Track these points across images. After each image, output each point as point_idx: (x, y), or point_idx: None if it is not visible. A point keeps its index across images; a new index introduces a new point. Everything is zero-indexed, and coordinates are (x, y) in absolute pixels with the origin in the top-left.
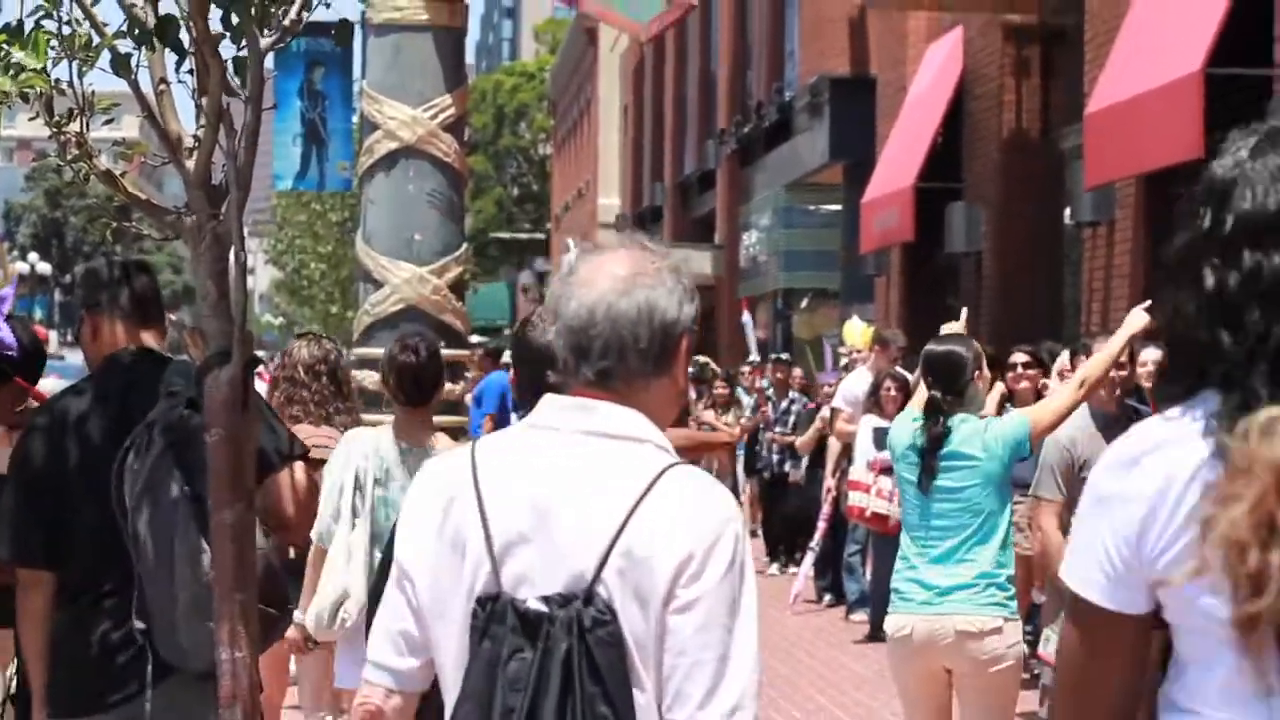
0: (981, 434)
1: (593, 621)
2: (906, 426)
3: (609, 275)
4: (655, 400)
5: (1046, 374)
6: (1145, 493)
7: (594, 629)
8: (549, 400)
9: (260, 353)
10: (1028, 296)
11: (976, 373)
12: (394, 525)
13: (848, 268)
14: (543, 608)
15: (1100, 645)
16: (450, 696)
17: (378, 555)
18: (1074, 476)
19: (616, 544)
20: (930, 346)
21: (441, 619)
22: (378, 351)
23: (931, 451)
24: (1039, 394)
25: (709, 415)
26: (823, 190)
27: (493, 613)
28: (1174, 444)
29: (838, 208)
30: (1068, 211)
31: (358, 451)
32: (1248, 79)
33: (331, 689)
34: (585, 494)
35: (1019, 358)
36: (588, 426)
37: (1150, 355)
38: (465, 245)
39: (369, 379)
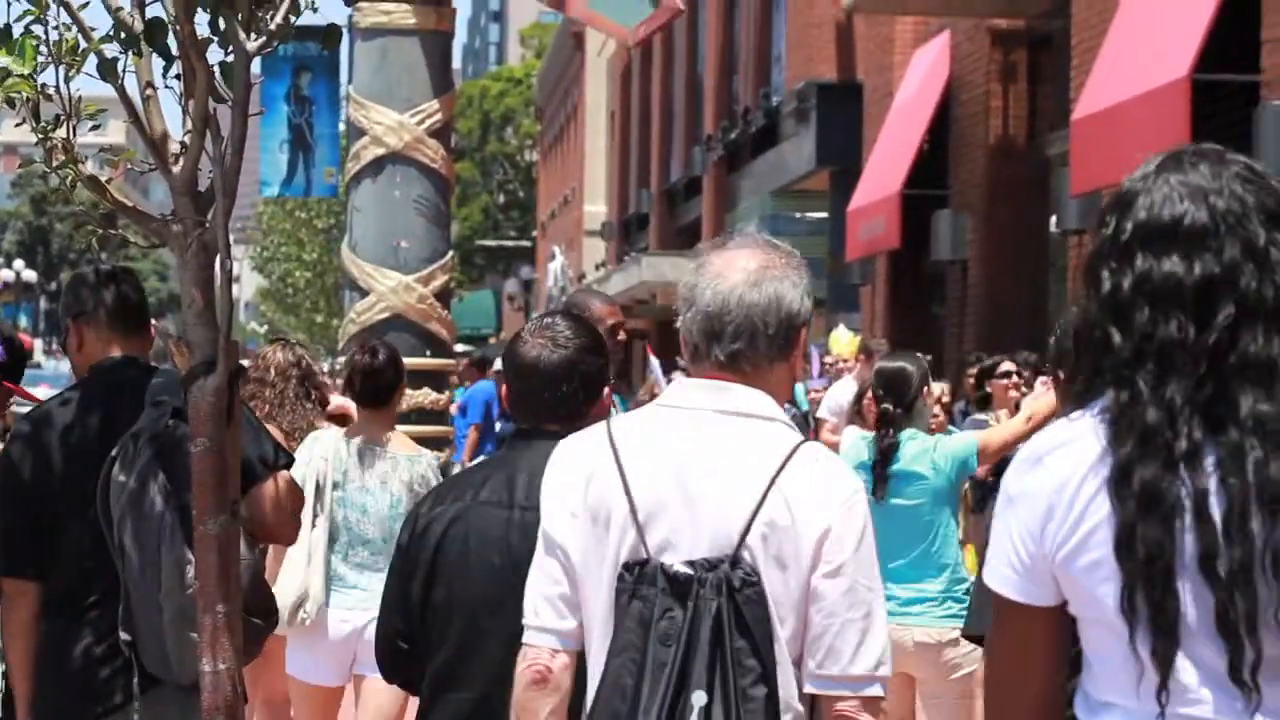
0: (930, 452)
1: (741, 582)
2: (857, 442)
3: (741, 268)
4: (776, 383)
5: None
6: (1046, 489)
7: (742, 589)
8: (682, 382)
9: (245, 361)
10: (1013, 304)
11: (924, 389)
12: (358, 522)
13: (834, 275)
14: (690, 571)
15: (1019, 639)
16: (597, 653)
17: (336, 553)
18: None
19: (759, 513)
20: (881, 362)
21: (588, 583)
22: None
23: (882, 464)
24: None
25: None
26: (809, 197)
27: (641, 576)
28: (1074, 442)
29: (824, 215)
30: (1054, 219)
31: (319, 453)
32: (1235, 85)
33: (279, 686)
34: (725, 467)
35: (1008, 366)
36: (723, 406)
37: None
38: (451, 253)
39: None
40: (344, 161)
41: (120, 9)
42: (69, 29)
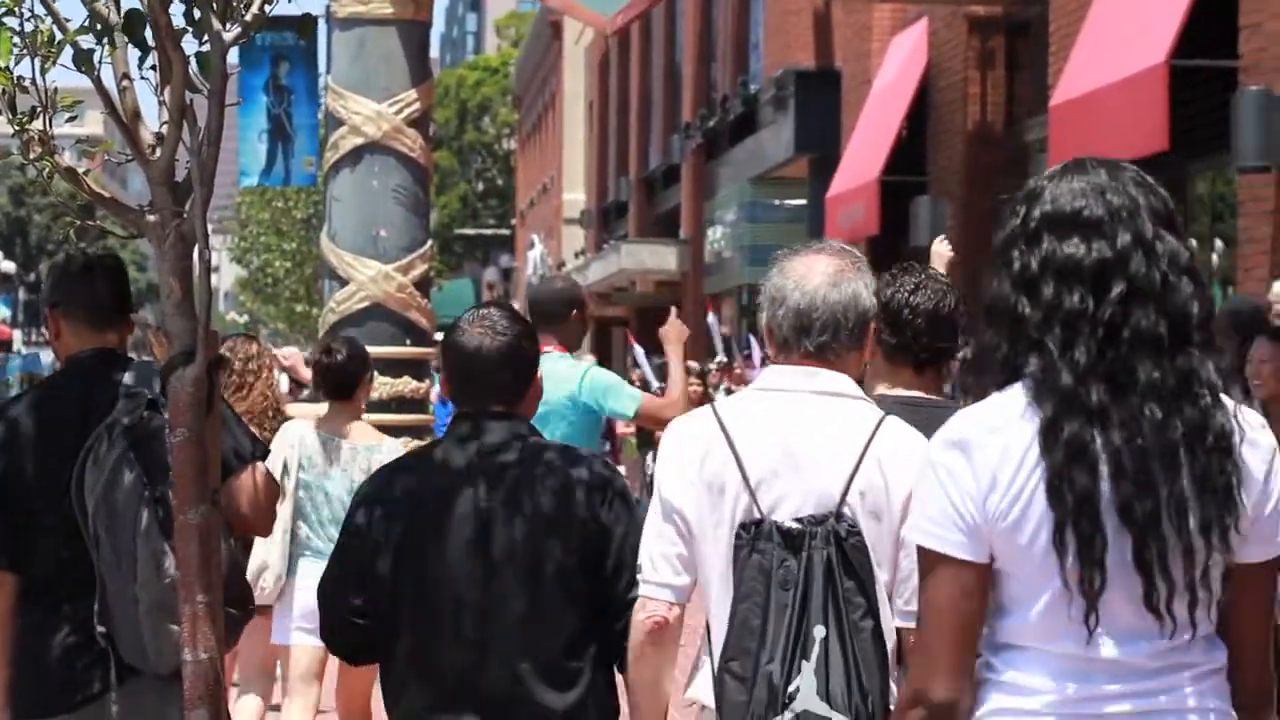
0: None
1: (846, 532)
2: None
3: (822, 271)
4: (852, 368)
5: None
6: (989, 457)
7: (847, 538)
8: (776, 369)
9: (224, 351)
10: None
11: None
12: (321, 504)
13: None
14: (800, 526)
15: (965, 590)
16: (718, 601)
17: (303, 531)
18: None
19: (856, 475)
20: None
21: (705, 542)
22: None
23: None
24: None
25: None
26: (788, 184)
27: (758, 533)
28: (1007, 426)
29: (803, 202)
30: None
31: (285, 441)
32: (1212, 70)
33: (265, 655)
34: (824, 438)
35: None
36: (816, 388)
37: None
38: (430, 241)
39: None
40: (323, 151)
41: (96, 0)
42: (44, 20)
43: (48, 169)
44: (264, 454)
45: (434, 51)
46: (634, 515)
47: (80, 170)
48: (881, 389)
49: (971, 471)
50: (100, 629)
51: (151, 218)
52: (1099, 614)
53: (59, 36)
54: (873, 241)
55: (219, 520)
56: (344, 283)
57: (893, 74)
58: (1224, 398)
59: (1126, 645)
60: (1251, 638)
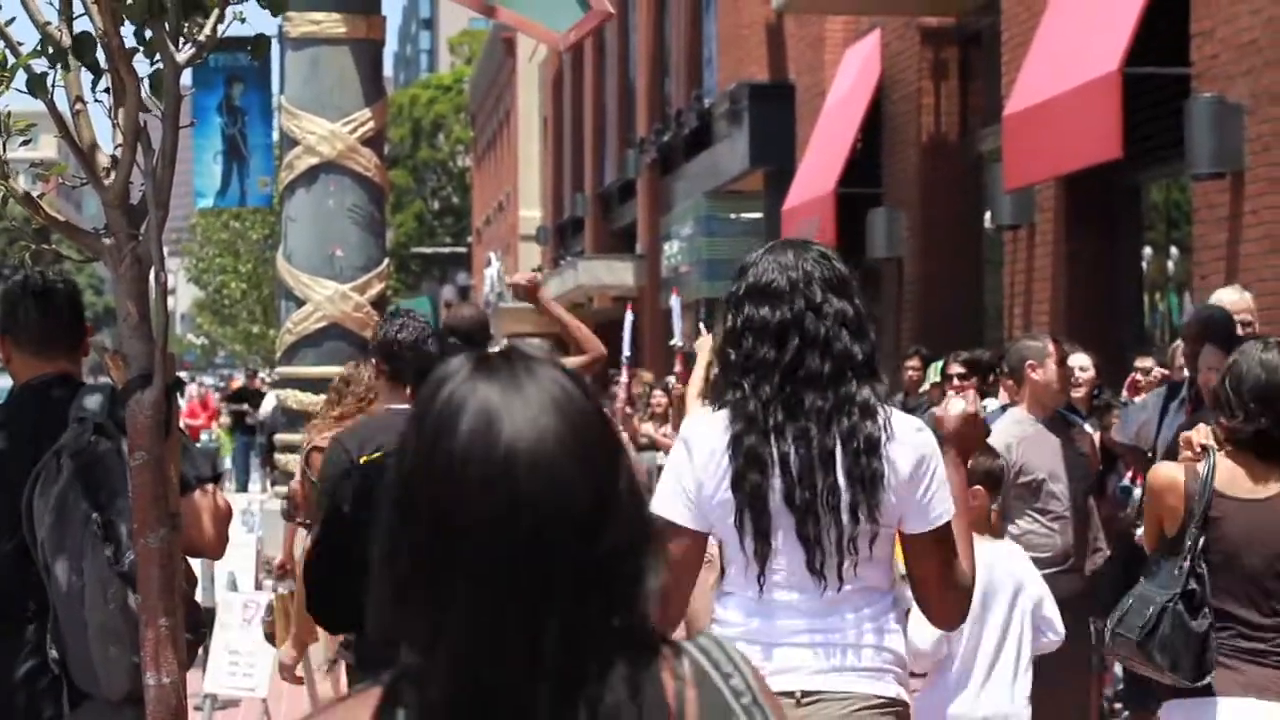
0: None
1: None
2: None
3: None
4: None
5: (985, 381)
6: (701, 458)
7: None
8: None
9: (182, 374)
10: (950, 301)
11: None
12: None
13: None
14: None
15: (688, 555)
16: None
17: None
18: (1009, 480)
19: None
20: None
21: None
22: (301, 370)
23: None
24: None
25: (648, 428)
26: (744, 198)
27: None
28: (713, 430)
29: (759, 215)
30: (988, 215)
31: None
32: (1165, 78)
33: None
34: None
35: (955, 369)
36: None
37: (1078, 361)
38: (386, 260)
39: (292, 398)
40: (278, 171)
41: (48, 24)
42: None
43: (2, 193)
44: (218, 476)
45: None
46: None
47: (35, 194)
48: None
49: (691, 464)
50: (53, 654)
51: (107, 241)
52: (772, 572)
53: (11, 60)
54: None
55: (178, 543)
56: (301, 303)
57: (846, 86)
58: (878, 411)
59: (799, 595)
60: (930, 586)
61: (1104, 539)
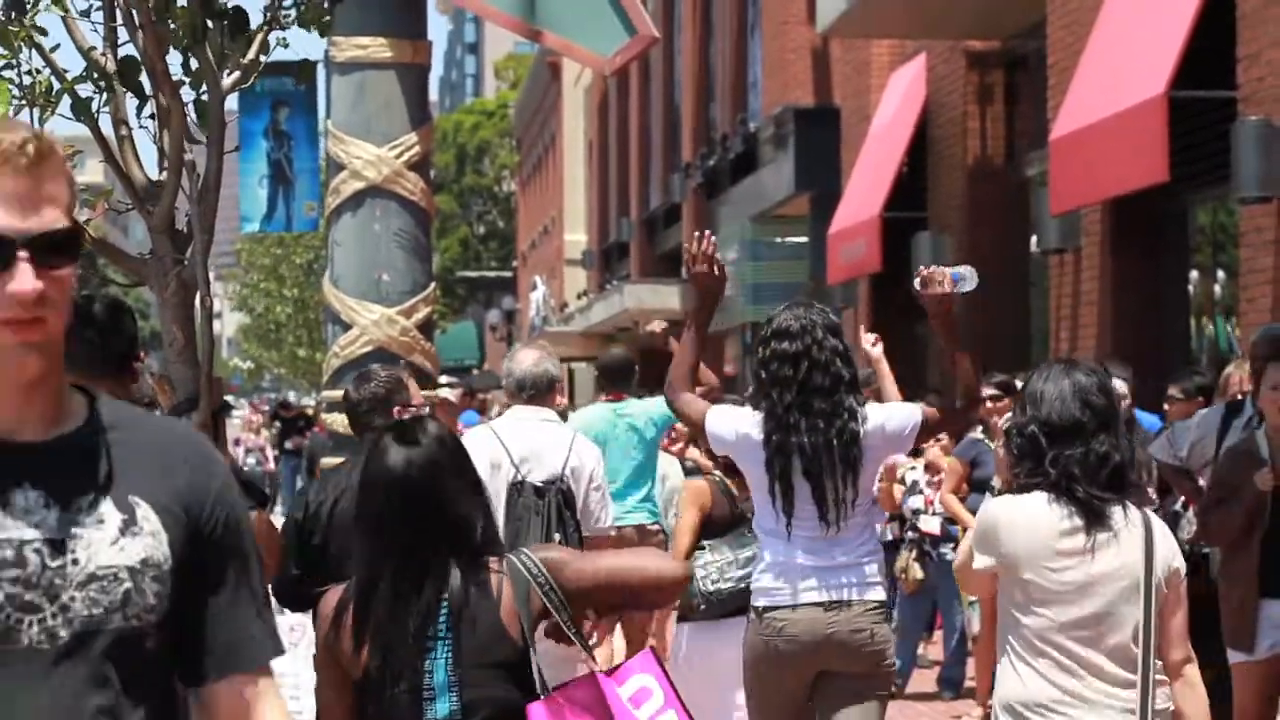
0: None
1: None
2: None
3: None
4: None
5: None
6: (744, 444)
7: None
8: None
9: (229, 398)
10: (995, 325)
11: None
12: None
13: (816, 299)
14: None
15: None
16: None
17: None
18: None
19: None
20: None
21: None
22: None
23: None
24: None
25: (694, 453)
26: (789, 222)
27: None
28: (751, 422)
29: (804, 239)
30: (1034, 239)
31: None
32: (1211, 101)
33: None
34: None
35: (987, 391)
36: (541, 416)
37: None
38: (433, 284)
39: (338, 422)
40: (324, 195)
41: (93, 49)
42: (40, 71)
43: None
44: (262, 501)
45: (433, 95)
46: None
47: (81, 219)
48: None
49: (738, 444)
50: None
51: (153, 265)
52: (794, 523)
53: (57, 86)
54: (875, 278)
55: None
56: (347, 327)
57: (892, 110)
58: (858, 414)
59: (813, 534)
60: (933, 424)
61: None
